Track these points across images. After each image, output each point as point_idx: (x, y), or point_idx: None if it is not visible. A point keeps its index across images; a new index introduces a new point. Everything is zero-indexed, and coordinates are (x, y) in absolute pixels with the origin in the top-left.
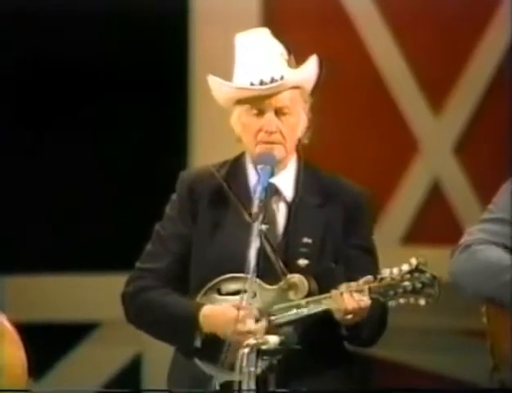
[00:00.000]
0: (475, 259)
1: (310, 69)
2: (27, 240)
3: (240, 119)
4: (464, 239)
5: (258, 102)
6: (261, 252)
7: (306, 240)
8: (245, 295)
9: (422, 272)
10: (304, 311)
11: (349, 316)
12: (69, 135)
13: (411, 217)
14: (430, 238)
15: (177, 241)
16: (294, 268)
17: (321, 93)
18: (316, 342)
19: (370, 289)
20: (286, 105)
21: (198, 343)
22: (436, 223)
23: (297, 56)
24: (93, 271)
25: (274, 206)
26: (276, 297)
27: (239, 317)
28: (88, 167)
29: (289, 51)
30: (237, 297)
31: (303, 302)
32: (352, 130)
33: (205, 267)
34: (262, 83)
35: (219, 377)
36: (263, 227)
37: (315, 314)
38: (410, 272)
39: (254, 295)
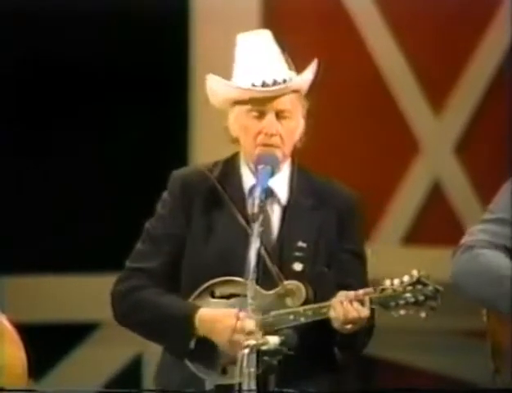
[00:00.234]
0: (477, 263)
1: (314, 72)
2: (27, 240)
3: (238, 120)
4: (466, 239)
5: (259, 104)
6: (260, 254)
7: (301, 244)
8: (244, 302)
9: (425, 284)
10: (302, 319)
11: (349, 326)
12: (69, 135)
13: (412, 217)
14: (431, 238)
15: (168, 241)
16: (288, 273)
17: (322, 93)
18: (312, 345)
19: (370, 299)
20: (287, 108)
21: (192, 345)
22: (436, 224)
23: (297, 56)
24: (93, 271)
25: (269, 208)
26: (273, 303)
27: (237, 326)
28: (88, 167)
29: (284, 50)
30: (231, 301)
31: (300, 309)
32: (353, 130)
33: (198, 268)
34: (264, 84)
35: (210, 380)
36: (259, 229)
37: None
38: (413, 284)
39: (252, 298)
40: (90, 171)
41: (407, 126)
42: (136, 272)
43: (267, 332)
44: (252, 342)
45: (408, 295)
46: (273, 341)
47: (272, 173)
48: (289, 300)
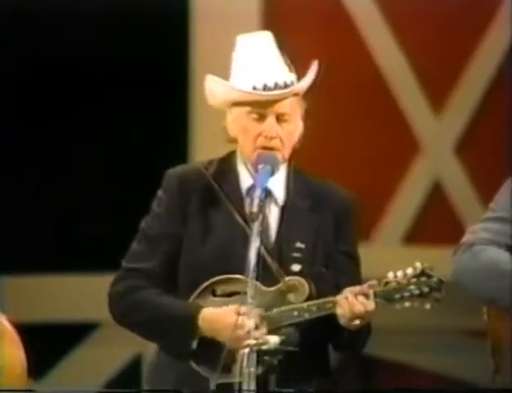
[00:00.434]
0: (477, 260)
1: (314, 74)
2: (27, 240)
3: (237, 121)
4: (467, 238)
5: (259, 107)
6: (260, 254)
7: (299, 245)
8: (245, 299)
9: (429, 276)
10: (306, 315)
11: (356, 321)
12: (69, 135)
13: (412, 217)
14: (431, 238)
15: (165, 240)
16: (287, 274)
17: (323, 93)
18: (312, 344)
19: (375, 293)
20: (287, 112)
21: (194, 345)
22: (437, 223)
23: (297, 56)
24: (93, 271)
25: (266, 209)
26: (275, 299)
27: (238, 322)
28: (88, 167)
29: (284, 52)
30: (233, 299)
31: (304, 305)
32: (353, 130)
33: (196, 267)
34: (265, 87)
35: (213, 379)
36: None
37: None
38: (417, 276)
39: (252, 296)
40: (90, 171)
41: (408, 126)
42: (134, 272)
43: (270, 329)
44: (252, 342)
45: (412, 287)
46: (273, 340)
47: (272, 173)
48: (291, 296)
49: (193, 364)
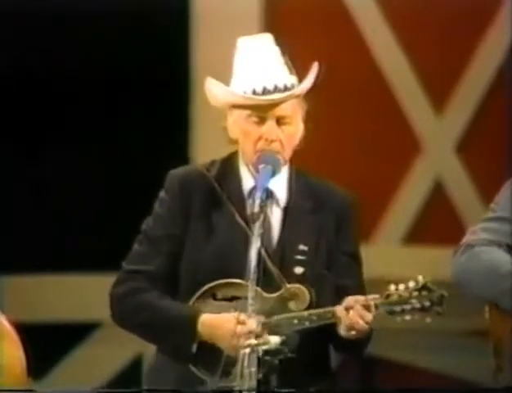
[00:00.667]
0: (478, 261)
1: (314, 77)
2: (27, 240)
3: (238, 123)
4: (467, 238)
5: (259, 110)
6: (261, 254)
7: (302, 247)
8: (246, 304)
9: (430, 290)
10: (306, 323)
11: (353, 332)
12: (70, 135)
13: (413, 216)
14: (433, 238)
15: (167, 242)
16: (289, 276)
17: (324, 93)
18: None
19: (376, 305)
20: (288, 114)
21: (194, 348)
22: (438, 223)
23: (298, 58)
24: (93, 271)
25: (268, 211)
26: (275, 306)
27: (238, 331)
28: (89, 167)
29: (286, 55)
30: (233, 303)
31: (305, 314)
32: (354, 130)
33: (197, 269)
34: (265, 90)
35: (212, 383)
36: (261, 231)
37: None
38: (419, 289)
39: (253, 299)
40: (90, 171)
41: (409, 125)
42: (135, 274)
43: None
44: (253, 342)
45: (414, 301)
46: (274, 340)
47: (273, 173)
48: (292, 304)
49: (192, 367)
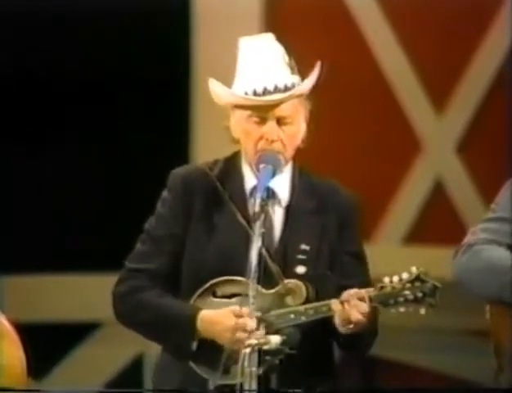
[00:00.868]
0: (478, 258)
1: (313, 77)
2: (27, 240)
3: (239, 123)
4: (467, 239)
5: (260, 111)
6: (261, 253)
7: (304, 247)
8: (245, 301)
9: (423, 281)
10: (303, 318)
11: (351, 325)
12: (70, 135)
13: (414, 216)
14: (433, 238)
15: (169, 241)
16: (291, 276)
17: (325, 94)
18: (314, 344)
19: (370, 297)
20: (288, 114)
21: (194, 346)
22: (439, 223)
23: (299, 60)
24: (93, 271)
25: (270, 210)
26: (273, 302)
27: (238, 324)
28: (89, 167)
29: (290, 55)
30: (233, 300)
31: (301, 308)
32: (355, 130)
33: (199, 268)
34: (265, 91)
35: (213, 380)
36: (261, 230)
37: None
38: (411, 281)
39: (254, 298)
40: (90, 171)
41: (409, 125)
42: (136, 272)
43: (268, 331)
44: (253, 341)
45: (407, 292)
46: (275, 340)
47: (274, 173)
48: (289, 299)
49: (193, 365)
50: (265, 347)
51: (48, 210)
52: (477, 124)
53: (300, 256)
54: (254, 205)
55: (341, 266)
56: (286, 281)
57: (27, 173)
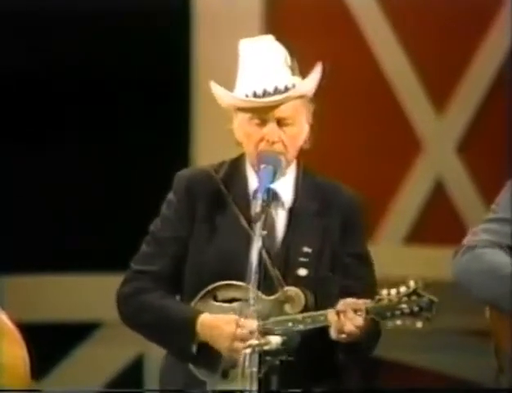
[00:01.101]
0: (479, 262)
1: (316, 79)
2: (27, 240)
3: (241, 126)
4: (468, 240)
5: (260, 112)
6: (261, 255)
7: (306, 249)
8: (245, 307)
9: (420, 296)
10: (300, 326)
11: (343, 336)
12: (70, 135)
13: (414, 216)
14: (433, 237)
15: (173, 243)
16: (292, 278)
17: (326, 94)
18: (314, 346)
19: (367, 309)
20: (289, 115)
21: (194, 349)
22: (439, 223)
23: (300, 60)
24: (93, 271)
25: (273, 212)
26: (272, 309)
27: (236, 335)
28: (89, 167)
29: (293, 56)
30: (233, 305)
31: (299, 317)
32: (356, 130)
33: (201, 270)
34: (265, 92)
35: (210, 383)
36: (263, 232)
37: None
38: (408, 294)
39: (253, 303)
40: (90, 171)
41: (410, 125)
42: (141, 274)
43: (266, 335)
44: (254, 342)
45: (403, 305)
46: (275, 341)
47: (275, 173)
48: (287, 307)
49: (192, 368)
50: (265, 348)
51: (48, 210)
52: (477, 124)
53: (302, 259)
54: (255, 207)
55: (345, 268)
56: (286, 288)
57: (27, 173)
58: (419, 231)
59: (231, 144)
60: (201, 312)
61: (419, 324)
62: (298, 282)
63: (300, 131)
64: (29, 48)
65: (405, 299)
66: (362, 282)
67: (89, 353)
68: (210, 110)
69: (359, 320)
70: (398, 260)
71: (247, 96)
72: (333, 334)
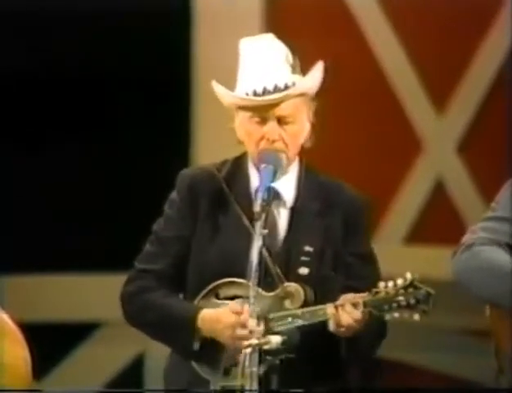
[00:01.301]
0: (478, 259)
1: (314, 76)
2: (27, 240)
3: (242, 125)
4: (467, 238)
5: (260, 110)
6: (262, 253)
7: (307, 248)
8: (246, 303)
9: (417, 288)
10: (299, 321)
11: (342, 329)
12: (70, 135)
13: (415, 216)
14: (434, 237)
15: (176, 242)
16: (294, 277)
17: (326, 94)
18: (315, 345)
19: (364, 303)
20: (289, 113)
21: (196, 346)
22: (439, 222)
23: (300, 59)
24: (93, 271)
25: (275, 211)
26: (272, 305)
27: (237, 322)
28: (89, 167)
29: (294, 54)
30: (234, 302)
31: (298, 312)
32: (356, 129)
33: (203, 269)
34: (265, 91)
35: (214, 382)
36: (264, 231)
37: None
38: (405, 287)
39: (254, 301)
40: (91, 171)
41: (410, 125)
42: (145, 273)
43: (266, 333)
44: (254, 341)
45: (400, 298)
46: (275, 340)
47: (275, 173)
48: (287, 303)
49: (195, 365)
50: (265, 347)
51: (48, 210)
52: (477, 124)
53: (303, 258)
54: (256, 206)
55: (347, 267)
56: (286, 284)
57: (27, 172)
58: (420, 231)
59: (232, 144)
60: (202, 308)
61: (416, 317)
62: (299, 280)
63: (301, 129)
64: (29, 48)
65: (402, 291)
66: (366, 282)
67: (89, 353)
68: (210, 109)
69: (357, 313)
70: (398, 260)
71: (247, 94)
72: (331, 327)
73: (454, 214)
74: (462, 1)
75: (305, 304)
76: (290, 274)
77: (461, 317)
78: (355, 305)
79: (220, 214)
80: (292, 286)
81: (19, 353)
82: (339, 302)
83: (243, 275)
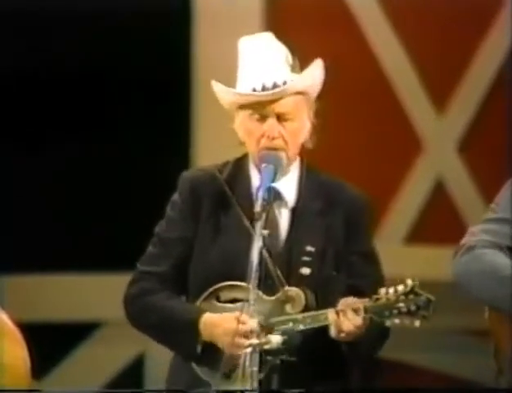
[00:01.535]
0: (478, 263)
1: (314, 74)
2: (27, 240)
3: (243, 123)
4: (467, 239)
5: (260, 108)
6: (262, 255)
7: (309, 248)
8: (246, 306)
9: (417, 294)
10: (300, 326)
11: (343, 335)
12: (70, 135)
13: (415, 216)
14: (434, 237)
15: (178, 244)
16: (296, 277)
17: (326, 93)
18: (315, 345)
19: (365, 309)
20: (288, 110)
21: (199, 349)
22: (439, 222)
23: (300, 58)
24: (93, 271)
25: (276, 211)
26: (273, 309)
27: (238, 330)
28: (89, 167)
29: (294, 54)
30: (236, 305)
31: (299, 317)
32: (356, 129)
33: (205, 271)
34: (264, 88)
35: (214, 384)
36: (264, 232)
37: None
38: (406, 293)
39: (253, 304)
40: (91, 171)
41: (410, 125)
42: (147, 275)
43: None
44: (254, 341)
45: (401, 304)
46: (276, 340)
47: (275, 173)
48: (288, 307)
49: (195, 367)
50: (266, 347)
51: (48, 210)
52: (477, 124)
53: (305, 258)
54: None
55: (350, 266)
56: (286, 288)
57: (27, 172)
58: (420, 231)
59: (232, 144)
60: (204, 311)
61: (417, 323)
62: (301, 281)
63: (301, 127)
64: (29, 48)
65: (402, 298)
66: (369, 281)
67: (89, 353)
68: (210, 109)
69: (358, 320)
70: (398, 260)
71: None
72: (333, 333)
73: (454, 214)
74: (462, 1)
75: (306, 308)
76: (292, 274)
77: (461, 317)
78: (356, 311)
79: (222, 216)
80: (293, 290)
81: (18, 353)
82: (340, 307)
83: (245, 276)
